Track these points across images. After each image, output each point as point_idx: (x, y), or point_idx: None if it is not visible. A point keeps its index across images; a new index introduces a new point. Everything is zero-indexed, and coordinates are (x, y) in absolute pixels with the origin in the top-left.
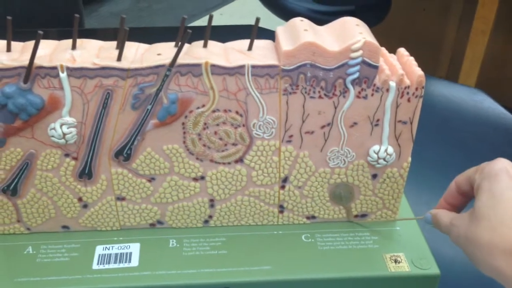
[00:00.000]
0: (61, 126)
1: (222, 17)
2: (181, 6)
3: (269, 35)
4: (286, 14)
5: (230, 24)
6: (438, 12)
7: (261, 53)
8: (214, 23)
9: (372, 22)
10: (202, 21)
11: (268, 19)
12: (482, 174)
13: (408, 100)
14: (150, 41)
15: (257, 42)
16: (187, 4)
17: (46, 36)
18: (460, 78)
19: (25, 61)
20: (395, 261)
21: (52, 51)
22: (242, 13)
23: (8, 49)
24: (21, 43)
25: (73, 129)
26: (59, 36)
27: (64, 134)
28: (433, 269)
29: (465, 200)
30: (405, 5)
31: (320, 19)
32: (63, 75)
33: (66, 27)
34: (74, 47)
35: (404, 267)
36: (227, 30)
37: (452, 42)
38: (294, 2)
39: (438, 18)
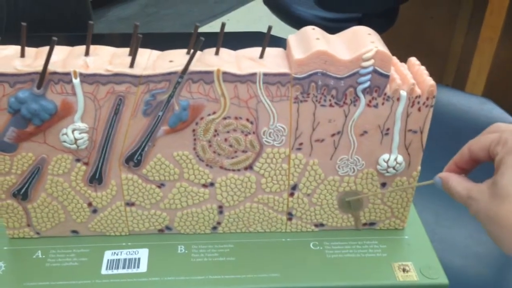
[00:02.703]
0: (73, 131)
1: (228, 23)
2: (188, 12)
3: (277, 41)
4: (293, 20)
5: (237, 31)
6: (446, 20)
7: (273, 61)
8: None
9: (379, 29)
10: (209, 27)
11: (275, 26)
12: (506, 148)
13: (419, 110)
14: (157, 47)
15: (269, 50)
16: (194, 10)
17: (57, 42)
18: (467, 86)
19: (38, 67)
20: (404, 270)
21: (65, 57)
22: (249, 19)
23: (22, 54)
24: (34, 49)
25: (84, 135)
26: (69, 41)
27: (76, 140)
28: (442, 279)
29: (477, 164)
30: (412, 13)
31: (327, 26)
32: (76, 81)
33: (76, 32)
34: (87, 53)
35: (412, 276)
36: (233, 37)
37: (460, 50)
38: (301, 9)
39: (446, 26)
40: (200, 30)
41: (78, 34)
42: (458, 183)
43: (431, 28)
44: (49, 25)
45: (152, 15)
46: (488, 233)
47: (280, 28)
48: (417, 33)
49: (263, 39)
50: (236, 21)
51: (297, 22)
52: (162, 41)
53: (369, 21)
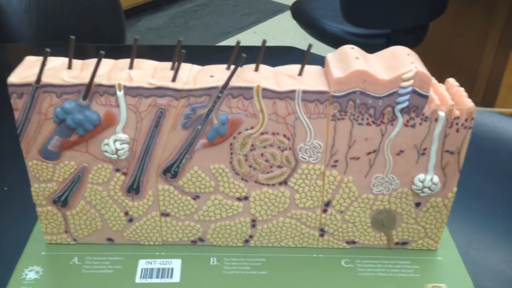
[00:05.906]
0: (114, 142)
1: (255, 35)
2: (216, 24)
3: (302, 54)
4: (322, 35)
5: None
6: (476, 37)
7: (311, 78)
8: (247, 41)
9: (408, 46)
10: (236, 39)
11: (301, 39)
12: None
13: (457, 131)
14: (187, 59)
15: (307, 68)
16: (221, 22)
17: (90, 51)
18: (496, 105)
19: (85, 79)
20: None
21: (109, 70)
22: (276, 32)
23: (69, 66)
24: (80, 61)
25: (125, 145)
26: (103, 51)
27: (117, 150)
28: None
29: None
30: (442, 30)
31: (356, 41)
32: (120, 94)
33: (110, 42)
34: (131, 66)
35: None
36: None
37: (489, 69)
38: (330, 24)
39: (476, 43)
40: (228, 40)
41: (113, 46)
42: None
43: (460, 45)
44: (84, 35)
45: (180, 26)
46: None
47: (306, 41)
48: (446, 50)
49: (290, 53)
50: (263, 33)
51: (326, 37)
52: (191, 53)
53: (398, 37)
